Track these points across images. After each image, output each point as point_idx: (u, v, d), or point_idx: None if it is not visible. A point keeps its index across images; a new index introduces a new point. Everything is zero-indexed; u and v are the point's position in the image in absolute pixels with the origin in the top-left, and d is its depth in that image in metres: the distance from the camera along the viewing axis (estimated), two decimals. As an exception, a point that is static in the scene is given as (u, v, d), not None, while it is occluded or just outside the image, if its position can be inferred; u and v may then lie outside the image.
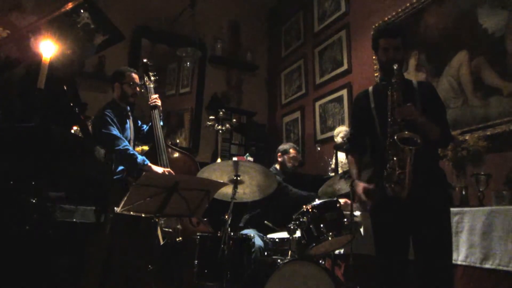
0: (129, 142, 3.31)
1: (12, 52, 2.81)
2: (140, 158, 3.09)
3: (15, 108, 2.84)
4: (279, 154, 4.03)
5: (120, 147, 3.08)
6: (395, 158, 2.19)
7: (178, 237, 2.89)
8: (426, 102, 2.35)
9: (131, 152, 3.10)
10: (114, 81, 3.44)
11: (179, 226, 2.99)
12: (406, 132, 2.16)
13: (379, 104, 2.41)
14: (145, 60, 3.80)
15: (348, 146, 2.67)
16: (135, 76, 3.45)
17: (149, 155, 3.26)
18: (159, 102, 3.56)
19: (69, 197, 2.62)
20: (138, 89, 3.45)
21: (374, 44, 2.49)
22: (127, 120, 3.41)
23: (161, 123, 3.57)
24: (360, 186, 2.39)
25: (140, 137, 3.62)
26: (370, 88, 2.56)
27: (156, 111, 3.48)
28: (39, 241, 2.40)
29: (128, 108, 3.48)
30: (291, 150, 4.00)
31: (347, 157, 2.73)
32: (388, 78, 2.38)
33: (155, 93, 3.64)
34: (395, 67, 2.28)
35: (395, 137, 2.16)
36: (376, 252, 2.44)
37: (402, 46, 2.39)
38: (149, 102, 3.52)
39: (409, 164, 2.15)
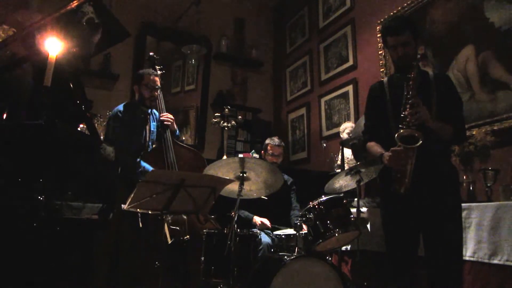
0: (142, 146, 3.28)
1: (18, 50, 2.82)
2: (139, 169, 3.08)
3: (22, 105, 2.86)
4: (262, 151, 3.99)
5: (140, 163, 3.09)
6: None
7: (186, 235, 2.88)
8: (442, 95, 2.31)
9: (142, 164, 3.11)
10: (134, 83, 3.42)
11: (185, 219, 2.99)
12: (403, 131, 2.13)
13: (394, 96, 2.38)
14: (151, 54, 3.75)
15: (365, 137, 2.56)
16: (154, 78, 3.34)
17: (156, 152, 3.25)
18: (170, 120, 3.40)
19: (76, 194, 2.64)
20: (156, 92, 3.34)
21: (383, 41, 2.46)
22: (145, 125, 3.34)
23: (178, 133, 3.53)
24: (387, 153, 2.25)
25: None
26: (385, 80, 2.52)
27: (168, 131, 3.36)
28: (47, 238, 2.42)
29: (150, 111, 3.39)
30: (268, 147, 3.88)
31: (354, 152, 2.69)
32: (402, 73, 2.36)
33: (161, 89, 3.49)
34: (414, 64, 2.25)
35: (395, 136, 2.14)
36: (387, 249, 2.42)
37: (412, 39, 2.33)
38: (160, 119, 3.41)
39: (411, 162, 2.13)
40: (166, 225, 2.50)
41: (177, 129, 3.54)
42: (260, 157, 4.18)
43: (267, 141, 3.94)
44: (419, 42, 2.52)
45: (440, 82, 2.36)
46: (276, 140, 3.92)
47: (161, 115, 3.41)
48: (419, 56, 2.30)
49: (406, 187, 2.17)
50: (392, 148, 2.20)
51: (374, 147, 2.43)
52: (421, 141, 2.08)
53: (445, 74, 2.91)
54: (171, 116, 3.44)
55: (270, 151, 3.86)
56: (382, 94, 2.46)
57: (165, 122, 3.37)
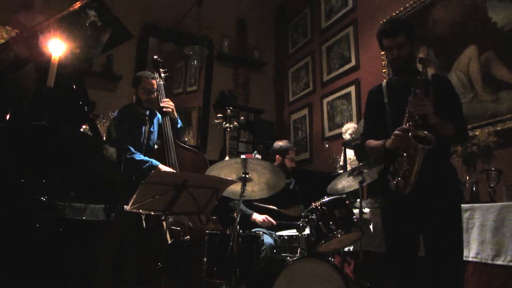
0: (141, 146, 3.30)
1: (21, 52, 2.83)
2: (146, 165, 3.09)
3: (25, 106, 2.86)
4: (278, 155, 3.89)
5: (127, 155, 3.10)
6: (405, 154, 2.17)
7: (186, 236, 2.89)
8: (440, 96, 2.31)
9: (138, 159, 3.12)
10: (132, 85, 3.47)
11: (189, 223, 2.99)
12: (421, 131, 2.13)
13: (393, 99, 2.40)
14: (155, 57, 3.78)
15: (363, 138, 2.58)
16: (151, 81, 3.40)
17: (158, 153, 3.26)
18: (170, 107, 3.45)
19: (78, 195, 2.64)
20: (153, 95, 3.39)
21: (380, 44, 2.49)
22: (143, 126, 3.39)
23: (180, 125, 3.55)
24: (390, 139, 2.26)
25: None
26: (384, 83, 2.55)
27: (168, 118, 3.42)
28: (50, 238, 2.42)
29: (148, 112, 3.45)
30: (290, 151, 3.86)
31: (356, 152, 2.68)
32: (399, 76, 2.42)
33: (164, 90, 3.56)
34: (423, 71, 2.25)
35: (410, 134, 2.13)
36: (386, 249, 2.43)
37: (407, 41, 2.35)
38: (160, 105, 3.46)
39: (418, 162, 2.13)
40: (165, 225, 2.50)
41: (178, 118, 3.55)
42: (264, 158, 4.18)
43: (286, 145, 3.88)
44: (416, 45, 2.55)
45: (438, 84, 2.36)
46: (291, 144, 3.95)
47: (162, 100, 3.44)
48: (419, 57, 2.29)
49: (412, 186, 2.16)
50: (394, 132, 2.19)
51: (372, 142, 2.45)
52: (432, 145, 2.07)
53: (444, 75, 2.91)
54: (172, 103, 3.47)
55: (291, 156, 3.85)
56: (381, 97, 2.48)
57: (164, 109, 3.40)
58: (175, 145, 3.32)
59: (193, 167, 3.28)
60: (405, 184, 2.18)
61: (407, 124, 2.18)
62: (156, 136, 3.45)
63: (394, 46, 2.35)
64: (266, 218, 3.48)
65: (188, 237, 2.87)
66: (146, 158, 3.14)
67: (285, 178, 3.00)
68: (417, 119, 2.15)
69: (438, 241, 2.21)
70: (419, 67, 2.32)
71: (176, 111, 3.53)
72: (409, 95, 2.23)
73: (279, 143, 3.92)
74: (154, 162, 3.12)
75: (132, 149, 3.16)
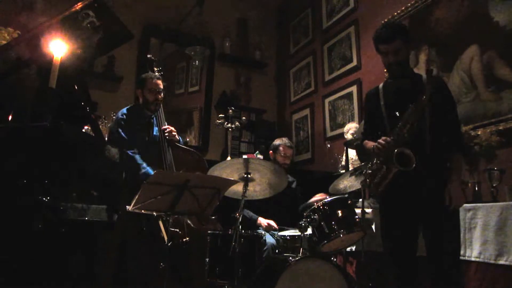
0: (144, 149, 3.27)
1: (23, 53, 2.83)
2: (143, 170, 3.06)
3: (28, 107, 2.87)
4: (271, 151, 3.98)
5: (129, 152, 3.08)
6: (384, 167, 2.24)
7: (185, 237, 2.88)
8: (435, 99, 2.29)
9: (138, 162, 3.10)
10: (137, 87, 3.44)
11: (189, 222, 2.99)
12: (407, 150, 2.15)
13: (388, 101, 2.44)
14: (149, 56, 3.78)
15: (362, 138, 2.64)
16: (156, 82, 3.36)
17: (154, 154, 3.25)
18: (173, 136, 3.34)
19: (81, 195, 2.64)
20: (160, 95, 3.35)
21: (376, 48, 2.51)
22: (148, 129, 3.36)
23: (181, 141, 3.53)
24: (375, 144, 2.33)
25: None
26: (381, 85, 2.57)
27: (168, 144, 3.31)
28: (52, 239, 2.42)
29: (153, 116, 3.39)
30: (281, 148, 3.89)
31: (358, 152, 2.71)
32: (394, 79, 2.49)
33: (164, 91, 3.48)
34: (432, 73, 2.26)
35: (395, 151, 2.14)
36: (385, 249, 2.45)
37: (403, 46, 2.38)
38: (164, 133, 3.33)
39: (391, 177, 2.22)
40: (162, 225, 2.50)
41: (179, 138, 3.51)
42: (266, 158, 4.18)
43: (279, 142, 3.94)
44: (415, 45, 2.60)
45: (435, 86, 2.35)
46: (287, 141, 3.95)
47: (163, 128, 3.33)
48: (427, 68, 2.33)
49: (377, 193, 2.34)
50: (379, 141, 2.27)
51: (368, 143, 2.51)
52: (410, 168, 2.11)
53: (439, 77, 2.93)
54: (172, 128, 3.38)
55: (283, 153, 3.87)
56: (377, 99, 2.51)
57: (168, 136, 3.30)
58: (171, 146, 3.30)
59: (191, 168, 3.26)
60: (375, 189, 2.32)
61: (392, 137, 2.23)
62: (157, 140, 3.42)
63: (390, 52, 2.39)
64: (268, 223, 3.51)
65: (187, 238, 2.86)
66: (145, 165, 3.11)
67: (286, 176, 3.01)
68: (405, 136, 2.19)
69: (435, 240, 2.24)
70: (421, 70, 2.33)
71: (178, 112, 3.52)
72: (405, 99, 2.27)
73: (276, 140, 3.99)
74: (150, 170, 3.09)
75: (135, 149, 3.15)
